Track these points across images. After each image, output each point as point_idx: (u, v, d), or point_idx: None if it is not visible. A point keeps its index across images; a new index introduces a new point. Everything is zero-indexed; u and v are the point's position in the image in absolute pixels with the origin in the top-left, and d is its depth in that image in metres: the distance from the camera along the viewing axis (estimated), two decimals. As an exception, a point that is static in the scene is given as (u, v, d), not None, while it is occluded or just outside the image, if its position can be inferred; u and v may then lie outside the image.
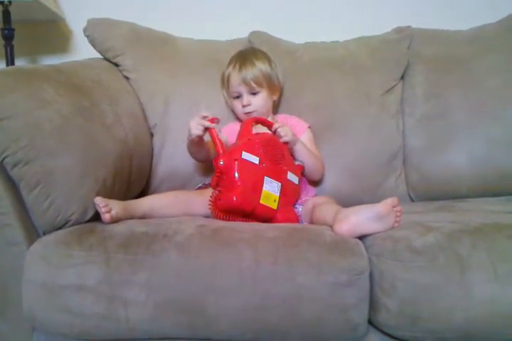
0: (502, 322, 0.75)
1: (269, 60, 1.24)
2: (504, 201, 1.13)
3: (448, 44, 1.34)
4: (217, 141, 1.01)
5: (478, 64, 1.28)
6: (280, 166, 1.05)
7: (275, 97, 1.26)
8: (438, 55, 1.33)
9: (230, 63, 1.24)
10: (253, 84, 1.18)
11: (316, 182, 1.23)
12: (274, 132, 1.11)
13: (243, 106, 1.20)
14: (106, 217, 0.88)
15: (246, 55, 1.24)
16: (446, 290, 0.75)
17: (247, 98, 1.19)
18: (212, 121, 1.03)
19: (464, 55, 1.31)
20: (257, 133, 1.07)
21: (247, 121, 1.09)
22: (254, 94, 1.20)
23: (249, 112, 1.20)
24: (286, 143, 1.10)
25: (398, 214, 0.85)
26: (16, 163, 0.83)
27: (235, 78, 1.20)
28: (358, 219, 0.83)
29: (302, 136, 1.20)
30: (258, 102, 1.20)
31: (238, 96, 1.21)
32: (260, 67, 1.20)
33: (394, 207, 0.84)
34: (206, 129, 1.03)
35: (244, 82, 1.18)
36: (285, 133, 1.09)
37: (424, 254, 0.76)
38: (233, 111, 1.27)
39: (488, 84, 1.26)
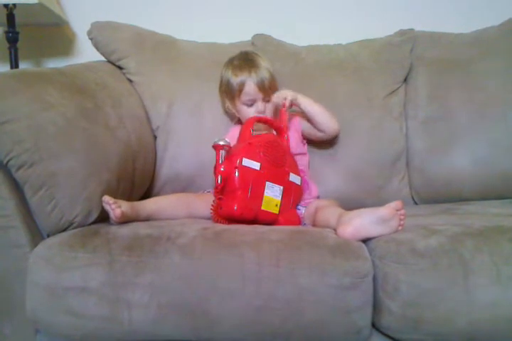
0: (505, 325, 0.74)
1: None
2: (507, 204, 1.13)
3: (450, 47, 1.34)
4: (219, 158, 0.98)
5: (480, 66, 1.28)
6: (282, 168, 1.04)
7: None
8: (440, 57, 1.33)
9: (238, 69, 1.19)
10: (269, 90, 1.17)
11: (334, 137, 1.23)
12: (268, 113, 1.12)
13: (259, 113, 1.17)
14: (117, 211, 0.86)
15: (253, 59, 1.21)
16: (449, 293, 0.74)
17: (262, 104, 1.18)
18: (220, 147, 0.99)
19: (466, 57, 1.31)
20: (257, 136, 1.07)
21: (248, 122, 1.08)
22: (267, 101, 1.19)
23: None
24: (292, 103, 1.14)
25: (402, 217, 0.84)
26: (20, 166, 0.83)
27: (253, 86, 1.16)
28: (362, 223, 0.83)
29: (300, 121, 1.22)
30: (271, 109, 1.20)
31: (251, 104, 1.19)
32: (270, 71, 1.20)
33: (398, 210, 0.83)
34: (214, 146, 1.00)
35: (262, 88, 1.17)
36: (281, 96, 1.12)
37: (427, 257, 0.76)
38: (233, 117, 1.26)
39: (490, 86, 1.26)
